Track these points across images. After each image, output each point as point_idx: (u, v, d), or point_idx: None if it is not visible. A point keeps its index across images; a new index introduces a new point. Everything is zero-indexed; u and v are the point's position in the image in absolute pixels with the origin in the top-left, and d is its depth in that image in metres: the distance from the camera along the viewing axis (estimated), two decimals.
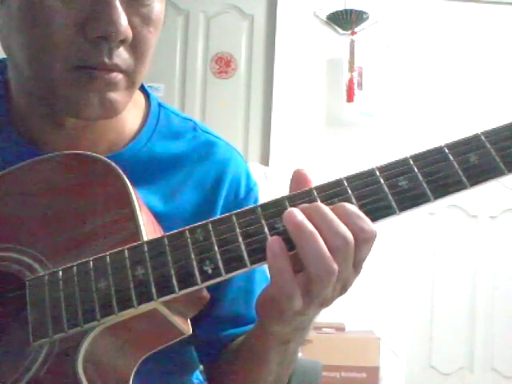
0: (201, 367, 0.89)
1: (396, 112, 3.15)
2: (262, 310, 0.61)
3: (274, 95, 3.17)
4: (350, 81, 3.06)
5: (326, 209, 0.54)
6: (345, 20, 3.09)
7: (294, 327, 0.62)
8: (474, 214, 3.20)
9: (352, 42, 3.08)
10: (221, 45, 3.24)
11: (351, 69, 3.06)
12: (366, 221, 0.53)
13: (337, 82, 3.12)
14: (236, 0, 3.24)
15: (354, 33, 3.10)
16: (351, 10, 3.06)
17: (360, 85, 3.08)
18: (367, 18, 3.10)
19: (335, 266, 0.53)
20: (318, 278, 0.53)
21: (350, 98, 3.05)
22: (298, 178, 0.58)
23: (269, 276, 0.55)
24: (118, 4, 0.63)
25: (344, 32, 3.14)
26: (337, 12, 3.09)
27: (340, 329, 2.88)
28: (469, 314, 3.19)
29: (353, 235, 0.53)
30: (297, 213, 0.53)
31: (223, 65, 3.24)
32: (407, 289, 3.15)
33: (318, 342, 2.66)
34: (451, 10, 3.24)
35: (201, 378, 0.92)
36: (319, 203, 0.54)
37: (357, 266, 0.56)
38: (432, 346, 3.20)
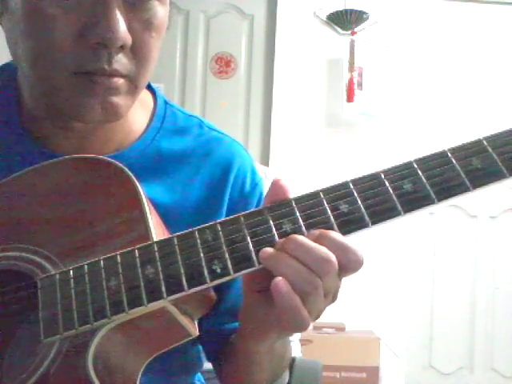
0: (203, 368, 0.90)
1: (396, 112, 3.15)
2: (257, 335, 0.64)
3: (274, 95, 3.17)
4: (350, 81, 3.06)
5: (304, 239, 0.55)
6: (345, 20, 3.09)
7: (285, 339, 0.67)
8: (473, 214, 3.21)
9: (352, 42, 3.09)
10: (221, 45, 3.24)
11: (351, 69, 3.07)
12: (354, 251, 0.55)
13: (337, 82, 3.12)
14: (236, 0, 3.25)
15: (353, 33, 3.11)
16: (351, 10, 3.07)
17: (360, 85, 3.09)
18: (367, 18, 3.10)
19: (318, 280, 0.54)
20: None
21: (349, 98, 3.05)
22: (275, 188, 0.58)
23: (280, 312, 0.55)
24: (116, 10, 0.64)
25: (344, 32, 3.14)
26: (337, 12, 3.10)
27: (340, 329, 2.88)
28: (469, 314, 3.20)
29: (340, 266, 0.54)
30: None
31: (223, 65, 3.24)
32: (407, 289, 3.15)
33: (318, 342, 2.66)
34: (451, 10, 3.24)
35: (202, 379, 0.92)
36: (297, 236, 0.55)
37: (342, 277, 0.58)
38: (432, 346, 3.21)
